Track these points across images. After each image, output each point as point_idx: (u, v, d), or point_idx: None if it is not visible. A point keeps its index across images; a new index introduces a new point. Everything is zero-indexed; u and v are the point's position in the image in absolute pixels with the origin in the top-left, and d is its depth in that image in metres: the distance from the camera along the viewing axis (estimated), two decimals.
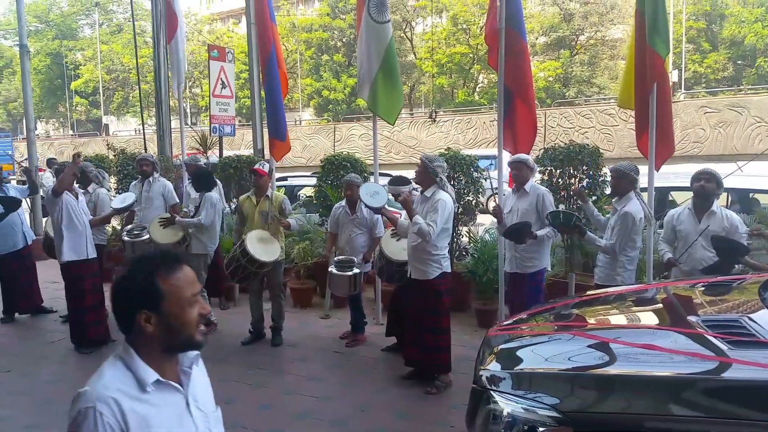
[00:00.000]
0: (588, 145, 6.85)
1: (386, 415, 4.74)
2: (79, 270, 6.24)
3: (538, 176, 6.45)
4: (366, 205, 5.61)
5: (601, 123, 26.23)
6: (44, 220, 8.19)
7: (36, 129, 12.07)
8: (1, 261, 7.36)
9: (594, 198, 6.74)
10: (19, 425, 4.72)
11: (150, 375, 1.67)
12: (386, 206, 5.51)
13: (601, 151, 6.94)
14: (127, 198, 6.83)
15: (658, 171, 5.51)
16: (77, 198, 6.29)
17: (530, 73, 6.22)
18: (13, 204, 7.21)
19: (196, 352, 1.84)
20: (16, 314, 7.56)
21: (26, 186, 8.13)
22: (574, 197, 6.70)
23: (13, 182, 11.08)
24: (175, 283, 1.69)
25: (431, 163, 5.04)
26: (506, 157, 5.98)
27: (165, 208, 7.23)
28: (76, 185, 6.44)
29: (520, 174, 5.41)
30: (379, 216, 6.09)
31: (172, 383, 1.74)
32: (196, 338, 1.74)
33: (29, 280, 7.59)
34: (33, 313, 7.65)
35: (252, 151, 10.92)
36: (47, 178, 12.68)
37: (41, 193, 10.49)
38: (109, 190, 7.40)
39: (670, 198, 7.70)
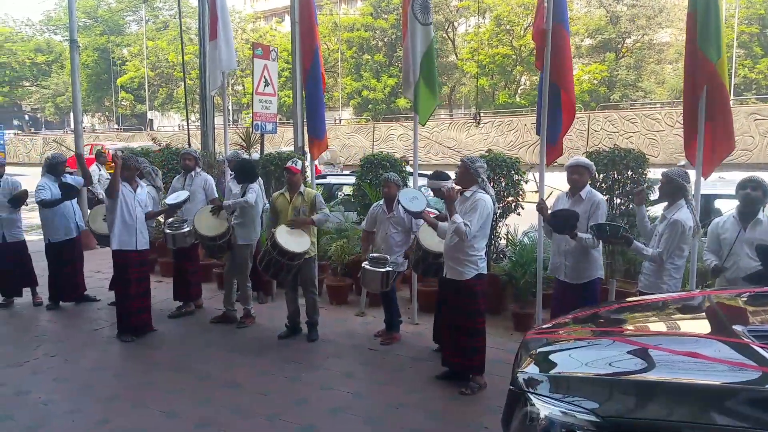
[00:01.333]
0: (633, 149, 6.74)
1: (420, 415, 4.74)
2: (126, 259, 6.41)
3: None
4: (406, 210, 5.63)
5: (646, 128, 25.82)
6: (88, 212, 8.33)
7: (83, 122, 12.35)
8: (53, 248, 7.56)
9: None
10: (62, 410, 4.85)
11: None
12: (426, 210, 5.52)
13: (646, 156, 6.82)
14: (181, 195, 7.00)
15: (707, 176, 5.41)
16: (135, 191, 6.49)
17: (570, 61, 6.21)
18: (72, 191, 7.44)
19: None
20: (61, 302, 7.77)
21: (81, 177, 8.35)
22: (621, 201, 6.62)
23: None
24: None
25: (473, 164, 5.02)
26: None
27: (206, 202, 7.37)
28: (138, 179, 6.65)
29: (581, 179, 5.20)
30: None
31: None
32: None
33: (76, 270, 7.77)
34: (77, 301, 7.86)
35: (293, 148, 11.02)
36: (93, 171, 13.00)
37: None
38: (159, 189, 7.56)
39: (716, 206, 7.53)
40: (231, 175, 7.51)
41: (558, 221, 5.08)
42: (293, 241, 6.11)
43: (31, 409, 4.87)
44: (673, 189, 4.83)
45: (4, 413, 4.77)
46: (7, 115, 60.34)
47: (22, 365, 5.80)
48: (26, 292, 7.86)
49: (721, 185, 7.34)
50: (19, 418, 4.68)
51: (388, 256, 6.04)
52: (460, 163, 5.14)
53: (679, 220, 4.72)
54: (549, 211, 5.31)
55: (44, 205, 7.31)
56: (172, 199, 6.98)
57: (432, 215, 5.74)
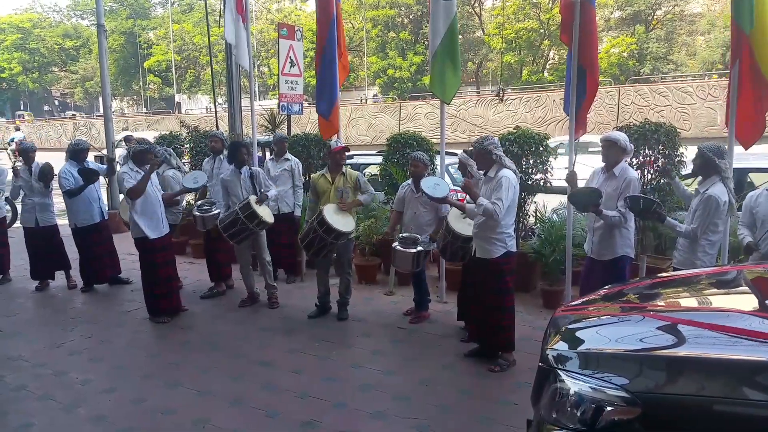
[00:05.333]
0: (664, 123, 6.62)
1: (449, 392, 4.77)
2: (151, 244, 6.43)
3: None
4: (430, 198, 5.63)
5: (677, 101, 25.26)
6: (120, 196, 8.42)
7: (111, 106, 12.48)
8: (79, 233, 7.68)
9: None
10: (98, 389, 4.99)
11: None
12: (451, 191, 5.51)
13: (678, 130, 6.69)
14: (199, 178, 7.01)
15: (747, 148, 5.31)
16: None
17: (596, 37, 6.12)
18: (93, 175, 7.49)
19: None
20: (94, 284, 7.92)
21: (105, 165, 8.47)
22: (653, 175, 6.52)
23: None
24: None
25: (481, 144, 5.02)
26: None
27: None
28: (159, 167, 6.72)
29: (608, 154, 5.13)
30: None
31: None
32: None
33: (105, 252, 7.89)
34: (110, 283, 8.01)
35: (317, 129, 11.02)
36: (122, 157, 13.16)
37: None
38: (177, 168, 7.61)
39: (749, 180, 7.38)
40: (271, 158, 7.65)
41: (577, 199, 5.05)
42: (340, 220, 6.17)
43: (69, 388, 5.01)
44: (705, 164, 4.74)
45: (44, 393, 4.92)
46: (37, 101, 61.24)
47: (60, 347, 5.96)
48: (60, 275, 8.05)
49: (754, 159, 7.20)
50: (58, 398, 4.82)
51: (418, 236, 6.05)
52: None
53: (713, 195, 4.62)
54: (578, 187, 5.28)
55: (70, 195, 7.41)
56: (190, 182, 7.00)
57: (459, 200, 5.74)
